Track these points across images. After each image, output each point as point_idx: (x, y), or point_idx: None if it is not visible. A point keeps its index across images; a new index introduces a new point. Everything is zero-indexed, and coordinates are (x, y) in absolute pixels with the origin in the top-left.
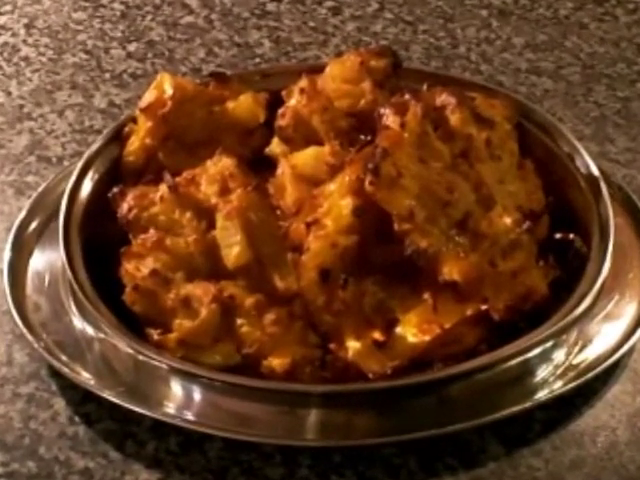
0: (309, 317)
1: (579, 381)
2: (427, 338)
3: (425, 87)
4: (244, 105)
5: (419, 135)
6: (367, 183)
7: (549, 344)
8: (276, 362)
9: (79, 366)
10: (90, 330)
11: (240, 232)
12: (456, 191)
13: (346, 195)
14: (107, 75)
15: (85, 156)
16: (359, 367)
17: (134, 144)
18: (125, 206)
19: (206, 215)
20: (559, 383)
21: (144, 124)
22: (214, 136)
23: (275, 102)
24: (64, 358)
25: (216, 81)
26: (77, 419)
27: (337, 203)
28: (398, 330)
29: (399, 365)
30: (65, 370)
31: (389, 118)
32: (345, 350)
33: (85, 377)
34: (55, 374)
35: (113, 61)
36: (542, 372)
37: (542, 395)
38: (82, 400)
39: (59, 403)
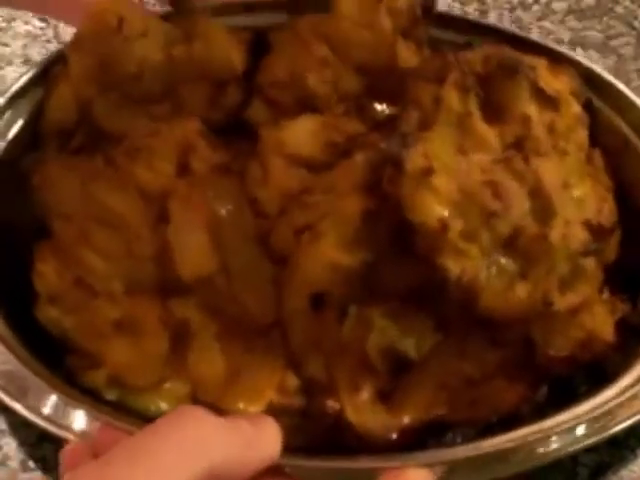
0: (290, 354)
1: (633, 419)
2: (449, 392)
3: (466, 44)
4: (216, 48)
5: (460, 115)
6: (385, 179)
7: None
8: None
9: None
10: None
11: (202, 230)
12: (506, 196)
13: (354, 191)
14: None
15: None
16: (354, 426)
17: (62, 94)
18: (44, 182)
19: (156, 202)
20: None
21: (76, 66)
22: (173, 88)
23: (259, 46)
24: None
25: (179, 12)
26: (31, 464)
27: (340, 202)
28: (411, 379)
29: (409, 426)
30: (16, 405)
31: (419, 88)
32: (337, 401)
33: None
34: (4, 410)
35: (74, 30)
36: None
37: None
38: (38, 441)
39: (10, 444)
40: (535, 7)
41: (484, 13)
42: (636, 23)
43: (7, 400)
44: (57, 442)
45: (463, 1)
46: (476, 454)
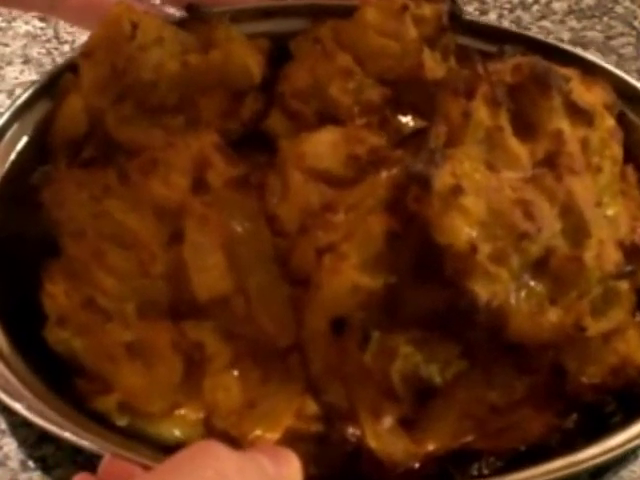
0: (310, 379)
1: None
2: (474, 421)
3: (497, 53)
4: (234, 56)
5: (490, 130)
6: (411, 198)
7: None
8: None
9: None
10: None
11: (218, 249)
12: (537, 216)
13: (377, 211)
14: (66, 47)
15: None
16: (375, 454)
17: (72, 104)
18: (54, 198)
19: (171, 219)
20: None
21: (88, 75)
22: (189, 98)
23: (279, 55)
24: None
25: (194, 19)
26: (31, 464)
27: (364, 222)
28: (435, 407)
29: (432, 455)
30: (16, 405)
31: (447, 102)
32: (358, 429)
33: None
34: (4, 410)
35: (73, 30)
36: None
37: None
38: (37, 441)
39: (10, 444)
40: (535, 7)
41: (484, 13)
42: (636, 23)
43: (7, 400)
44: (57, 442)
45: (463, 1)
46: None
